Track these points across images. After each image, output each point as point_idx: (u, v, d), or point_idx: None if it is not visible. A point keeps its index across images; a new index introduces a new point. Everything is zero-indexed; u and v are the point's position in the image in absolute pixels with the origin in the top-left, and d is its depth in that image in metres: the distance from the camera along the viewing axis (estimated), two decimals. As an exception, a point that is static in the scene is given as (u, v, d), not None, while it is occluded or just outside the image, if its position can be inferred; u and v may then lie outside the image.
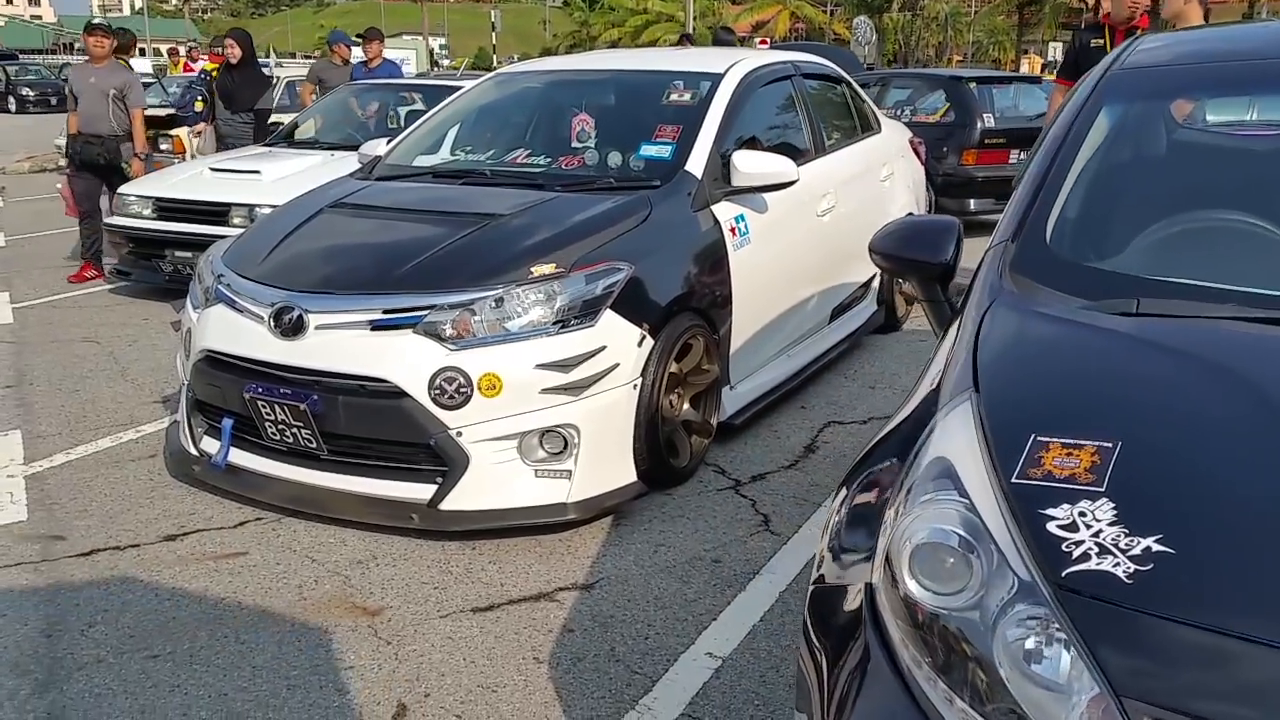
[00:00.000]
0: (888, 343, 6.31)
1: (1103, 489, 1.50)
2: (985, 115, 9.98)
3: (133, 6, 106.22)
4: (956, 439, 1.74)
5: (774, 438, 4.74)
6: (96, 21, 8.42)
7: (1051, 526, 1.48)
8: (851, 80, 6.36)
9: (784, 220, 4.82)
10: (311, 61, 17.64)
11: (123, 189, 7.60)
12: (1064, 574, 1.42)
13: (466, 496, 3.59)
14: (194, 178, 7.61)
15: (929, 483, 1.67)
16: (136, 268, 7.54)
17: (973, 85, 10.29)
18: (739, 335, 4.53)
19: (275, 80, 10.15)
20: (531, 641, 3.07)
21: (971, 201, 9.78)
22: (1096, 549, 1.42)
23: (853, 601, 1.72)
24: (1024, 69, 34.12)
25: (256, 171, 7.43)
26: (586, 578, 3.46)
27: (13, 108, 33.97)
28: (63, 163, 8.71)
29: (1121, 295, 2.04)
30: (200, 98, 10.83)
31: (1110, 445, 1.56)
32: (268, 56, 11.17)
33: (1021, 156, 9.92)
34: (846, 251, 5.60)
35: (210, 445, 4.08)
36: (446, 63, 47.59)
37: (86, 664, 2.97)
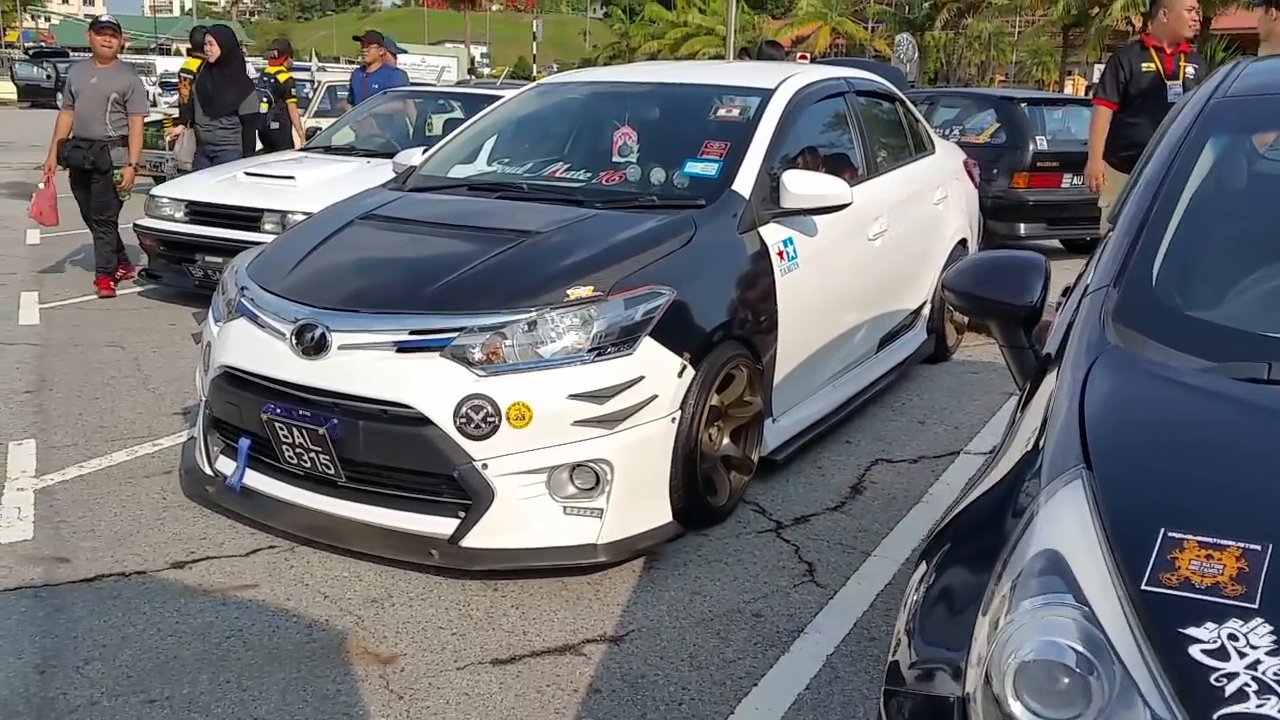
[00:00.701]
0: (937, 374, 6.03)
1: (1255, 605, 1.24)
2: (1038, 138, 9.67)
3: (183, 7, 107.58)
4: (1068, 527, 1.48)
5: (818, 475, 4.47)
6: (105, 20, 7.94)
7: (1195, 651, 1.22)
8: (905, 98, 6.10)
9: (834, 244, 4.57)
10: (354, 67, 17.58)
11: (155, 191, 7.46)
12: (1215, 717, 1.16)
13: (490, 533, 3.36)
14: (227, 181, 7.45)
15: (1036, 580, 1.41)
16: (167, 271, 7.41)
17: (1025, 106, 9.99)
18: (783, 365, 4.28)
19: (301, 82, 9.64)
20: (555, 702, 2.83)
21: (1022, 226, 9.48)
22: (1255, 685, 1.16)
23: (939, 717, 1.46)
24: (1068, 90, 33.64)
25: (291, 177, 7.28)
26: (616, 629, 3.21)
27: (60, 103, 34.25)
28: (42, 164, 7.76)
29: (1248, 356, 1.78)
30: (265, 98, 10.70)
31: (1259, 549, 1.31)
32: (310, 60, 11.03)
33: (1075, 181, 9.62)
34: (898, 277, 5.36)
35: (226, 465, 3.88)
36: (487, 71, 47.75)
37: (79, 706, 2.76)
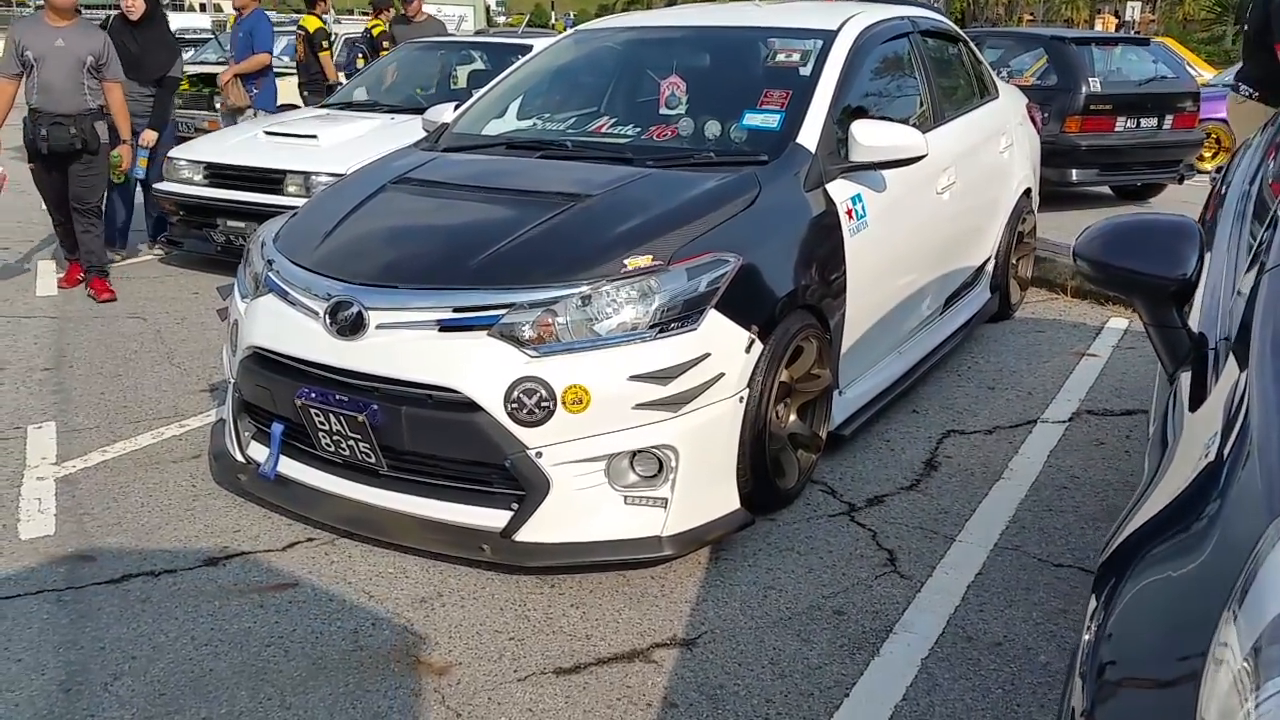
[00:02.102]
0: (1002, 333, 5.69)
1: None
2: (1090, 79, 9.21)
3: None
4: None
5: (887, 450, 4.17)
6: None
7: None
8: (968, 38, 5.70)
9: (903, 200, 4.23)
10: (368, 20, 17.13)
11: (173, 153, 7.16)
12: None
13: (546, 526, 3.09)
14: (247, 141, 7.16)
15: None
16: (188, 237, 7.14)
17: (1076, 46, 9.51)
18: (851, 333, 3.96)
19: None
20: (628, 718, 2.56)
21: (1074, 172, 9.06)
22: None
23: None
24: (1098, 29, 32.69)
25: (314, 136, 6.97)
26: (687, 630, 2.94)
27: None
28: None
29: None
30: (361, 54, 10.24)
31: None
32: (327, 12, 10.57)
33: (1128, 124, 9.19)
34: (965, 232, 5.03)
35: (259, 451, 3.61)
36: (502, 20, 46.90)
37: (107, 729, 2.52)
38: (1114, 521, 3.58)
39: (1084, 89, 9.03)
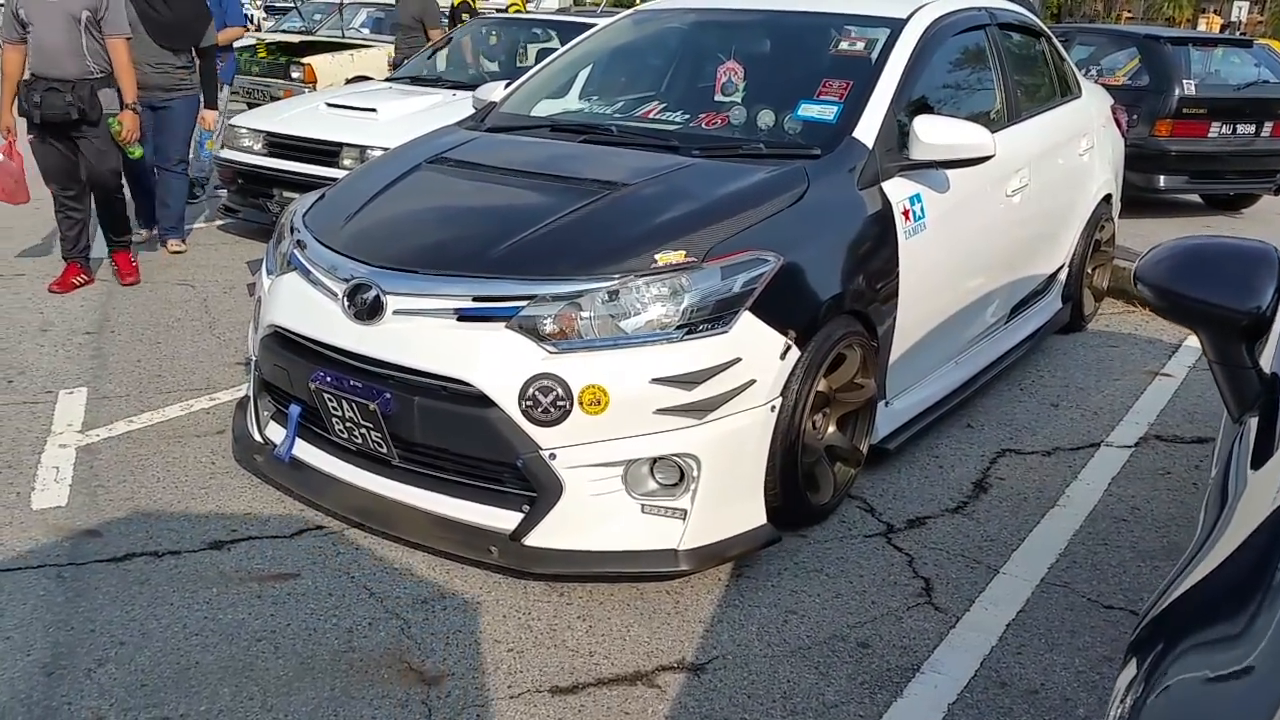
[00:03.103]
0: (1071, 346, 5.39)
1: None
2: (1185, 81, 8.74)
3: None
4: None
5: (935, 467, 3.93)
6: None
7: None
8: (1051, 34, 5.39)
9: (968, 202, 3.97)
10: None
11: (235, 120, 7.12)
12: None
13: (557, 532, 2.92)
14: (308, 112, 7.09)
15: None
16: (244, 206, 7.08)
17: (1171, 46, 9.04)
18: (902, 341, 3.73)
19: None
20: (621, 750, 2.40)
21: (1161, 178, 8.61)
22: None
23: None
24: (1200, 29, 31.49)
25: (373, 109, 6.88)
26: (697, 654, 2.76)
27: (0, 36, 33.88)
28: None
29: None
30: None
31: None
32: None
33: (1223, 130, 8.71)
34: (1036, 238, 4.75)
35: (276, 432, 3.51)
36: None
37: None
38: (1174, 561, 3.32)
39: (1177, 91, 8.57)
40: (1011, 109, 4.52)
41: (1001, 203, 4.27)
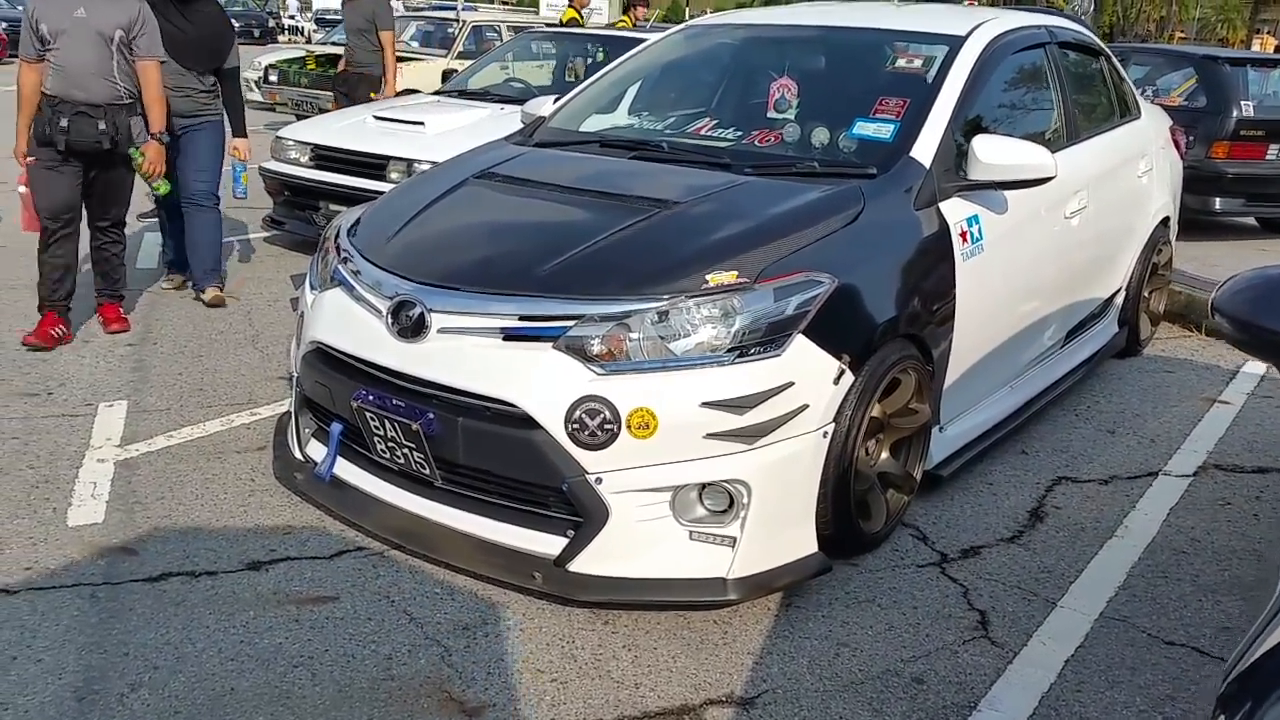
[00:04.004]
0: (1127, 371, 5.25)
1: None
2: (1243, 103, 8.56)
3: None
4: None
5: (989, 494, 3.82)
6: None
7: None
8: (1110, 53, 5.26)
9: (1026, 224, 3.87)
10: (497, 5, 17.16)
11: (283, 132, 7.14)
12: None
13: (602, 558, 2.85)
14: (355, 125, 7.09)
15: None
16: (291, 218, 7.09)
17: (1229, 66, 8.85)
18: (957, 365, 3.63)
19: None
20: (668, 790, 2.31)
21: (1218, 201, 8.45)
22: None
23: None
24: (1255, 49, 31.01)
25: (420, 123, 6.87)
26: (746, 688, 2.66)
27: (21, 53, 33.23)
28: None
29: None
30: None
31: None
32: (585, 4, 10.46)
33: (1280, 152, 8.51)
34: (1094, 260, 4.63)
35: (317, 450, 3.46)
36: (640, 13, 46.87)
37: (116, 744, 2.37)
38: (1236, 595, 3.19)
39: (1235, 112, 8.41)
40: (1070, 129, 4.41)
41: (1059, 225, 4.16)
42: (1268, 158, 8.48)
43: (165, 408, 4.27)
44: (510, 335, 2.89)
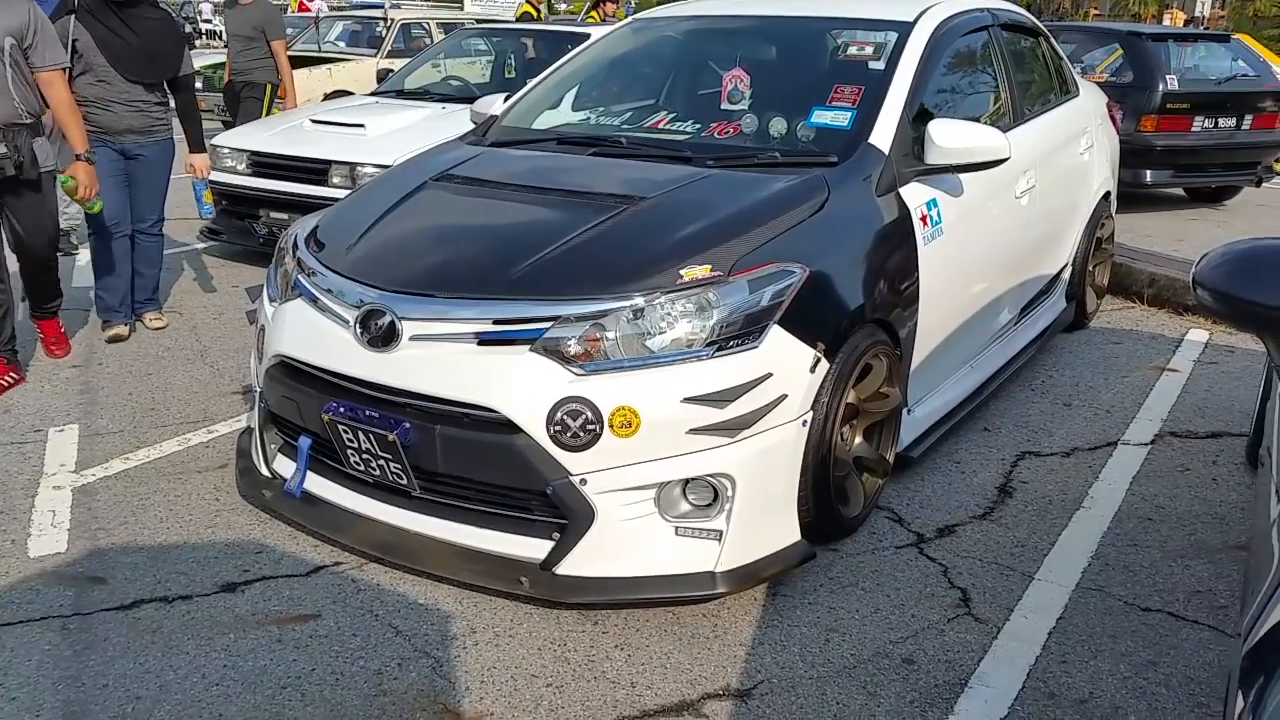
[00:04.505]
0: (1077, 345, 5.35)
1: None
2: (1168, 77, 8.77)
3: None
4: None
5: (957, 473, 3.87)
6: None
7: None
8: (1048, 33, 5.35)
9: (981, 205, 3.92)
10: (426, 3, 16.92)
11: (217, 140, 6.97)
12: None
13: (589, 559, 2.83)
14: (292, 130, 6.96)
15: None
16: (229, 228, 6.93)
17: (1152, 42, 9.06)
18: (922, 348, 3.67)
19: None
20: (678, 789, 2.31)
21: (1148, 173, 8.63)
22: None
23: None
24: (1166, 24, 31.78)
25: (360, 125, 6.76)
26: (742, 679, 2.67)
27: None
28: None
29: None
30: None
31: None
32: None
33: (1205, 124, 8.74)
34: (1044, 238, 4.71)
35: (285, 465, 3.39)
36: (564, 7, 46.63)
37: (106, 779, 2.30)
38: (1205, 560, 3.26)
39: (1161, 87, 8.59)
40: (1017, 110, 4.48)
41: (1011, 204, 4.22)
42: (1193, 130, 8.69)
43: (118, 429, 4.16)
44: (485, 339, 2.86)
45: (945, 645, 2.83)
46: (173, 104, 5.24)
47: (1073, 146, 4.99)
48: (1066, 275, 5.18)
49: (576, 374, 2.76)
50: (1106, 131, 5.63)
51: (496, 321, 2.86)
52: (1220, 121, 8.77)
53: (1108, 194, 5.51)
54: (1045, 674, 2.72)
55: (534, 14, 10.23)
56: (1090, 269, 5.45)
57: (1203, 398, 4.69)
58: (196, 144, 5.33)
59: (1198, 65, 9.48)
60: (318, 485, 3.27)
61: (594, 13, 10.94)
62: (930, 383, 3.88)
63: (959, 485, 3.77)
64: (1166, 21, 35.30)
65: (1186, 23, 33.25)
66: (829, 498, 3.13)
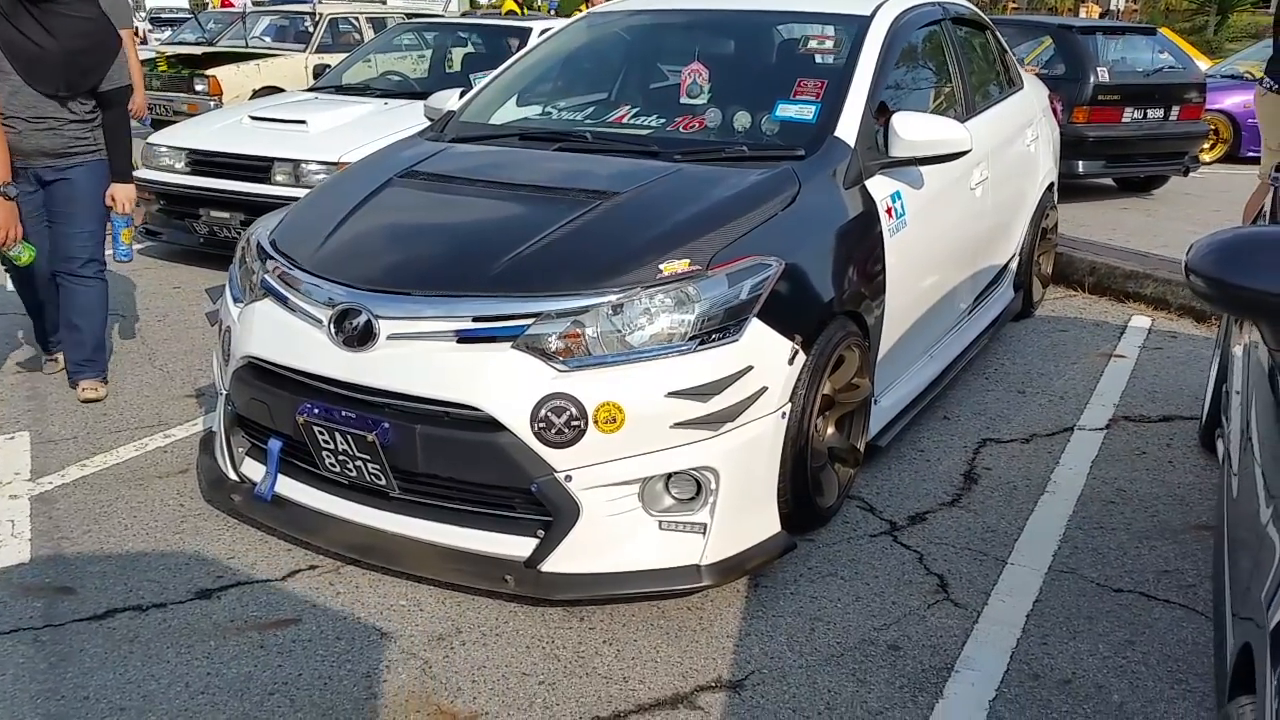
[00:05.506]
0: (1024, 333, 5.47)
1: None
2: (1098, 69, 8.98)
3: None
4: None
5: (922, 461, 3.93)
6: None
7: None
8: (994, 26, 5.45)
9: (940, 196, 3.99)
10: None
11: (152, 138, 6.80)
12: None
13: (575, 556, 2.82)
14: (231, 127, 6.82)
15: None
16: (168, 227, 6.77)
17: (1082, 35, 9.27)
18: (887, 338, 3.72)
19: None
20: (681, 781, 2.32)
21: (1080, 164, 8.82)
22: None
23: None
24: (1082, 18, 32.53)
25: (302, 121, 6.65)
26: (732, 671, 2.68)
27: None
28: None
29: None
30: None
31: None
32: None
33: (1135, 115, 8.97)
34: (995, 229, 4.80)
35: (253, 469, 3.33)
36: (485, 2, 46.33)
37: (95, 794, 2.24)
38: (1170, 540, 3.35)
39: (1092, 79, 8.80)
40: (969, 102, 4.56)
41: (967, 196, 4.30)
42: (1124, 121, 8.91)
43: (72, 436, 4.04)
44: (465, 337, 2.83)
45: (928, 630, 2.87)
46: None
47: (1020, 138, 5.09)
48: (1014, 265, 5.29)
49: (560, 370, 2.74)
50: (1049, 123, 5.76)
51: (476, 319, 2.84)
52: (1149, 112, 9.01)
53: (1051, 185, 5.64)
54: (1028, 656, 2.77)
55: (518, 11, 10.16)
56: (1036, 258, 5.57)
57: (1151, 382, 4.82)
58: (120, 172, 4.34)
59: (1124, 57, 9.71)
60: (289, 488, 3.21)
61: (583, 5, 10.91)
62: (894, 372, 3.93)
63: (925, 473, 3.84)
64: (1083, 15, 36.15)
65: (1102, 15, 34.06)
66: (806, 488, 3.16)
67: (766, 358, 2.91)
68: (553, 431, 2.72)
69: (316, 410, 2.96)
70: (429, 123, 4.41)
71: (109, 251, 4.43)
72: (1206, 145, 11.48)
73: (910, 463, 3.91)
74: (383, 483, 2.97)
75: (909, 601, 3.01)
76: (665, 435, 2.78)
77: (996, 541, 3.36)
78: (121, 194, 4.34)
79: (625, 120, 3.98)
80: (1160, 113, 9.07)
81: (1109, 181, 9.69)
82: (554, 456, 2.74)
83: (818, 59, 3.93)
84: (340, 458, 2.99)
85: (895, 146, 3.57)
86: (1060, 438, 4.18)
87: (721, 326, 2.84)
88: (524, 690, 2.60)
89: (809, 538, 3.31)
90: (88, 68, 4.15)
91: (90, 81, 4.17)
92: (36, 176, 4.18)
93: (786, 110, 3.71)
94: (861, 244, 3.44)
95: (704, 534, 2.86)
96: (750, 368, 2.85)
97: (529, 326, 2.78)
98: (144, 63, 11.82)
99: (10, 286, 4.62)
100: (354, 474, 3.01)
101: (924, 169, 3.81)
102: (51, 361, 4.69)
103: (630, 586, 2.85)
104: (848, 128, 3.57)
